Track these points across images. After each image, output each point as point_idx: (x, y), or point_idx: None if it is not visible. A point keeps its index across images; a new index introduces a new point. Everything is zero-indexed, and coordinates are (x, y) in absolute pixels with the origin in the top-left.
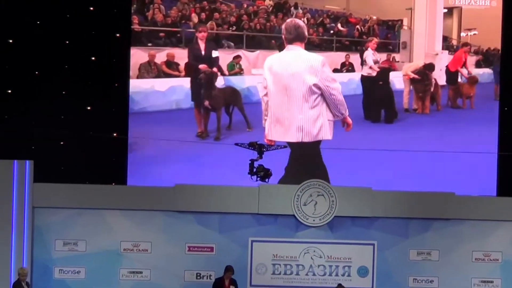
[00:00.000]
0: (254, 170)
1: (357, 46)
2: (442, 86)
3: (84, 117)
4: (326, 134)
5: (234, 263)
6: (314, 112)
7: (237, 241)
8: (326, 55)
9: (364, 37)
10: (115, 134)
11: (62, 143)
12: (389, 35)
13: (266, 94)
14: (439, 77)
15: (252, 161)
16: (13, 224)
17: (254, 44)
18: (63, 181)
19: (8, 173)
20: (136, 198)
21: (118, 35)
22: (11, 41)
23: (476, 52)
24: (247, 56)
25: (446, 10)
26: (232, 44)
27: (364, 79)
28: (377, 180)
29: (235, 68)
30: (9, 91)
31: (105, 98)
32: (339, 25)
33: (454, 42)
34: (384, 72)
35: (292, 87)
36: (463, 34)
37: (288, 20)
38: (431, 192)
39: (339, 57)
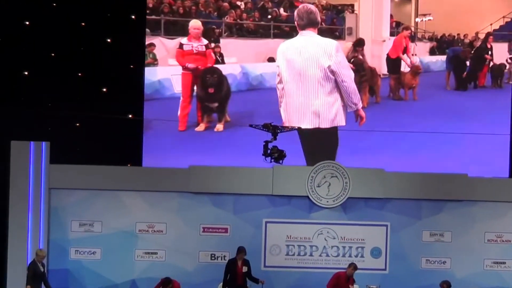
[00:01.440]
0: (268, 151)
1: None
2: (385, 75)
3: (100, 99)
4: (342, 120)
5: (248, 244)
6: (330, 97)
7: (251, 222)
8: (262, 42)
9: None
10: (130, 116)
11: (78, 124)
12: (335, 20)
13: (280, 81)
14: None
15: (267, 142)
16: (30, 205)
17: (176, 30)
18: (79, 162)
19: (25, 155)
20: (151, 180)
21: (133, 17)
22: (27, 23)
23: (430, 39)
24: (165, 44)
25: None
26: (148, 30)
27: None
28: (389, 162)
29: (147, 58)
30: (26, 73)
31: (121, 80)
32: (281, 10)
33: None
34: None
35: (307, 72)
36: (418, 19)
37: (300, 6)
38: (444, 174)
39: (277, 44)
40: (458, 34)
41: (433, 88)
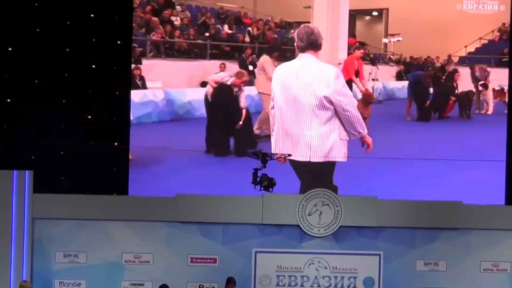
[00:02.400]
0: (258, 179)
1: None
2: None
3: (85, 126)
4: (339, 154)
5: (238, 274)
6: (324, 129)
7: (240, 252)
8: (196, 64)
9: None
10: (116, 144)
11: (62, 152)
12: (285, 40)
13: (273, 107)
14: None
15: (256, 170)
16: (13, 235)
17: None
18: (63, 191)
19: (8, 184)
20: (138, 209)
21: (119, 42)
22: (10, 49)
23: (397, 62)
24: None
25: (376, 13)
26: None
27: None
28: (382, 189)
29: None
30: (8, 100)
31: (106, 107)
32: (225, 27)
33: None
34: None
35: (301, 99)
36: (385, 40)
37: (301, 26)
38: (438, 201)
39: (213, 66)
40: (428, 57)
41: (393, 118)
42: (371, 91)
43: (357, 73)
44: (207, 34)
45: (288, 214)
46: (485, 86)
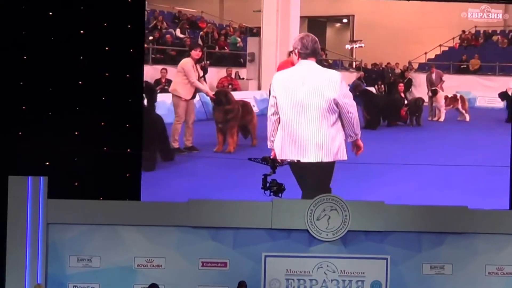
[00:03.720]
0: (267, 185)
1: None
2: None
3: (98, 133)
4: (343, 154)
5: (248, 278)
6: (333, 130)
7: (250, 256)
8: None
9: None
10: (128, 150)
11: (76, 159)
12: (239, 44)
13: (274, 113)
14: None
15: (265, 176)
16: (28, 240)
17: None
18: (77, 197)
19: (23, 190)
20: (150, 214)
21: (131, 50)
22: (25, 57)
23: (357, 68)
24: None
25: (346, 20)
26: None
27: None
28: (390, 194)
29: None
30: (23, 108)
31: (119, 114)
32: (177, 31)
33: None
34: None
35: (310, 103)
36: (347, 46)
37: (303, 35)
38: (444, 206)
39: (155, 71)
40: (388, 63)
41: None
42: None
43: None
44: (150, 37)
45: (297, 219)
46: (434, 92)
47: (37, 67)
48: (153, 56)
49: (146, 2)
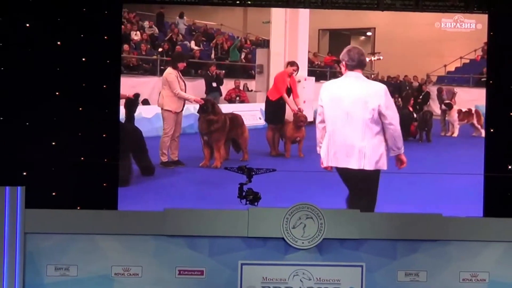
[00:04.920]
0: (244, 193)
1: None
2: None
3: (76, 143)
4: (384, 164)
5: (224, 286)
6: (376, 140)
7: (227, 264)
8: (145, 80)
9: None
10: (105, 160)
11: (53, 169)
12: (250, 56)
13: (322, 121)
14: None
15: (241, 184)
16: (5, 250)
17: None
18: (55, 207)
19: (0, 200)
20: (127, 223)
21: (108, 61)
22: (2, 68)
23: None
24: None
25: (370, 33)
26: None
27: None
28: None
29: None
30: (0, 118)
31: (97, 124)
32: (192, 43)
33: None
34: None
35: (355, 113)
36: (366, 59)
37: (350, 47)
38: (419, 214)
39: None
40: (405, 76)
41: None
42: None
43: (290, 91)
44: (160, 49)
45: (273, 227)
46: (449, 106)
47: (14, 77)
48: (162, 67)
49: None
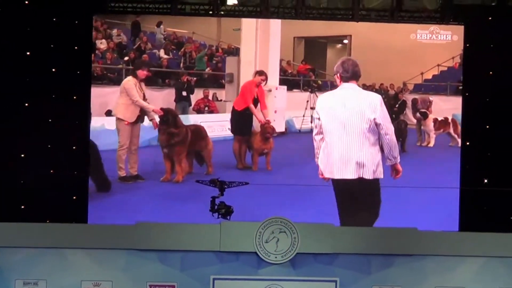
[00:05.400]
0: (216, 207)
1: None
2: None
3: (45, 155)
4: (381, 172)
5: None
6: (373, 149)
7: (198, 279)
8: (108, 91)
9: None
10: (75, 172)
11: (22, 182)
12: (220, 64)
13: (318, 133)
14: None
15: (214, 198)
16: None
17: None
18: (24, 220)
19: None
20: (97, 237)
21: (78, 72)
22: None
23: None
24: None
25: (347, 41)
26: None
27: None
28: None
29: None
30: None
31: (66, 136)
32: (162, 52)
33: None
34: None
35: (352, 124)
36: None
37: (345, 59)
38: (393, 228)
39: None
40: (381, 84)
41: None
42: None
43: (257, 101)
44: (126, 58)
45: (245, 242)
46: (424, 115)
47: None
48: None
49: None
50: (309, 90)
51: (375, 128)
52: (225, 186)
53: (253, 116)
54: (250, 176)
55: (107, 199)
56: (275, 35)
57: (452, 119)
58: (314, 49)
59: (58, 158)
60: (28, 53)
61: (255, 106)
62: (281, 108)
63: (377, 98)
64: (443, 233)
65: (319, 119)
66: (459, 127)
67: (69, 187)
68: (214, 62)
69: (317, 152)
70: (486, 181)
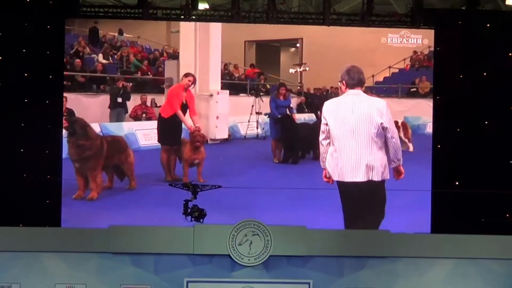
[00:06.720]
0: (189, 210)
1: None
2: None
3: (18, 159)
4: (387, 174)
5: None
6: (381, 152)
7: (172, 282)
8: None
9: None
10: (48, 176)
11: None
12: (161, 69)
13: (325, 138)
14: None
15: (187, 201)
16: None
17: None
18: None
19: None
20: (71, 240)
21: (51, 77)
22: None
23: (299, 93)
24: None
25: (299, 45)
26: None
27: None
28: (311, 218)
29: None
30: None
31: (39, 140)
32: (100, 56)
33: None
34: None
35: (360, 129)
36: (291, 70)
37: (350, 66)
38: (366, 230)
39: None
40: (331, 87)
41: (258, 161)
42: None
43: (186, 107)
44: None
45: (219, 244)
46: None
47: None
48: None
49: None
50: (255, 94)
51: (382, 132)
52: (198, 190)
53: (183, 124)
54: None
55: (80, 202)
56: (215, 38)
57: (403, 123)
58: (267, 53)
59: (30, 162)
60: (0, 57)
61: (184, 112)
62: (224, 113)
63: (383, 103)
64: (415, 235)
65: (326, 124)
66: (410, 131)
67: (42, 191)
68: (155, 66)
69: (324, 156)
70: (457, 183)
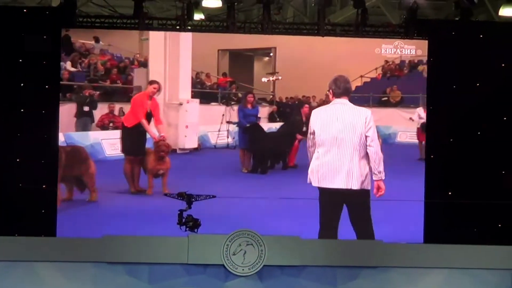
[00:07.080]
0: (183, 220)
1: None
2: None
3: (14, 168)
4: (368, 184)
5: None
6: (363, 162)
7: None
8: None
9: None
10: (44, 186)
11: None
12: (130, 76)
13: (311, 145)
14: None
15: (181, 211)
16: None
17: None
18: None
19: None
20: (66, 250)
21: (47, 86)
22: None
23: (271, 102)
24: None
25: (272, 55)
26: None
27: None
28: (306, 229)
29: None
30: None
31: (35, 150)
32: (68, 64)
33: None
34: None
35: (345, 137)
36: (263, 79)
37: (337, 76)
38: (359, 240)
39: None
40: (303, 96)
41: (226, 170)
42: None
43: (150, 116)
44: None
45: (213, 254)
46: None
47: None
48: None
49: None
50: (226, 103)
51: (365, 141)
52: (193, 199)
53: (147, 133)
54: (143, 200)
55: (75, 212)
56: (185, 47)
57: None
58: (240, 62)
59: (26, 172)
60: None
61: (148, 121)
62: (193, 122)
63: (368, 113)
64: (408, 245)
65: (313, 132)
66: (380, 140)
67: (38, 201)
68: (125, 74)
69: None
70: (450, 193)
